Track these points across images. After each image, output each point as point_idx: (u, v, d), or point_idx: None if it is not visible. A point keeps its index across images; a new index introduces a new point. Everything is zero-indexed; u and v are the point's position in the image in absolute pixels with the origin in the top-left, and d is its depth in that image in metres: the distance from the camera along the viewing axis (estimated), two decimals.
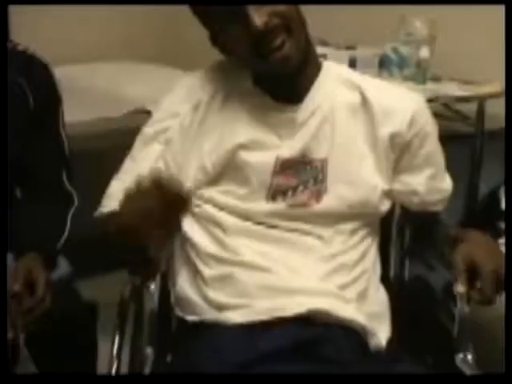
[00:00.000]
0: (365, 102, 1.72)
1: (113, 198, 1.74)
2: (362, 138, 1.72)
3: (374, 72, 3.07)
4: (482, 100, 3.06)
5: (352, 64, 3.07)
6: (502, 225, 2.19)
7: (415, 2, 3.32)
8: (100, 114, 3.08)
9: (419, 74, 3.07)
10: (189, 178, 1.71)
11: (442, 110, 3.03)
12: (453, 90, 3.03)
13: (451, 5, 3.26)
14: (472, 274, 1.61)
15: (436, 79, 3.15)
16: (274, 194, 1.69)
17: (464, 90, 3.05)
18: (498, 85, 3.06)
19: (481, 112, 3.07)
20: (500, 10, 3.27)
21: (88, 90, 3.32)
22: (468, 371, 1.66)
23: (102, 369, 1.82)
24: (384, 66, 3.15)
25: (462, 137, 3.12)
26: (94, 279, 2.55)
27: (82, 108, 3.00)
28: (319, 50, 1.80)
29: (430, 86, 3.04)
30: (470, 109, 3.11)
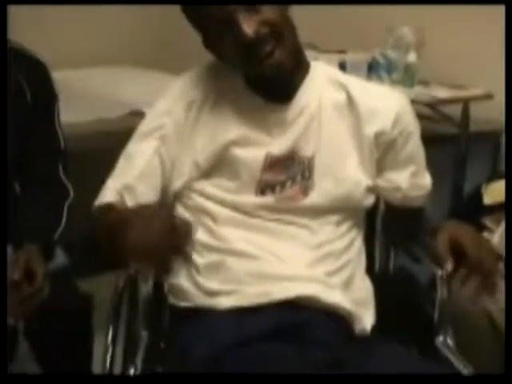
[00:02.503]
0: (351, 101, 1.78)
1: (107, 193, 1.80)
2: (348, 135, 1.79)
3: (363, 76, 3.12)
4: (466, 102, 3.14)
5: (342, 68, 3.13)
6: (485, 220, 2.25)
7: (418, 2, 3.41)
8: (96, 116, 3.13)
9: (407, 78, 3.14)
10: (183, 173, 1.77)
11: (429, 112, 3.11)
12: (439, 92, 3.10)
13: (452, 5, 3.35)
14: (456, 257, 1.70)
15: (424, 83, 3.22)
16: (263, 188, 1.76)
17: (450, 93, 3.12)
18: (482, 88, 3.15)
19: (466, 114, 3.14)
20: (485, 15, 3.39)
21: (85, 93, 3.35)
22: (448, 354, 1.72)
23: (97, 358, 1.88)
24: (373, 70, 3.22)
25: (448, 138, 3.19)
26: (89, 279, 2.59)
27: (79, 110, 3.05)
28: (310, 54, 1.85)
29: (418, 90, 3.11)
30: (456, 111, 3.19)
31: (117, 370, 1.71)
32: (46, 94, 2.06)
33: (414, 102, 2.82)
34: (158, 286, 1.80)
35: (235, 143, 1.76)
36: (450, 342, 1.75)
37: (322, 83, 1.81)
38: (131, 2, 4.09)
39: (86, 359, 2.08)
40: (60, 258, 2.04)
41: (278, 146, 1.76)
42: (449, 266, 1.69)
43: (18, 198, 2.01)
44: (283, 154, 1.76)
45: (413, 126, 1.83)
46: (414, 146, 1.84)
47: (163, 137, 1.79)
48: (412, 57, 3.15)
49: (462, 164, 3.16)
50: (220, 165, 1.77)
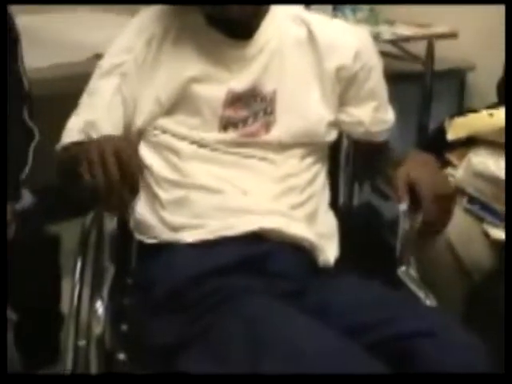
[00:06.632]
0: (311, 36, 1.79)
1: (72, 132, 1.80)
2: (310, 71, 1.80)
3: (328, 15, 3.12)
4: (431, 40, 3.15)
5: (307, 7, 3.13)
6: (449, 155, 2.27)
7: (418, 2, 3.39)
8: (61, 60, 3.11)
9: (372, 17, 3.15)
10: (144, 110, 1.77)
11: (394, 50, 3.12)
12: (403, 30, 3.12)
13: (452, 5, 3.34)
14: (414, 193, 1.72)
15: (389, 22, 3.22)
16: (226, 125, 1.76)
17: (414, 30, 3.14)
18: (447, 26, 3.16)
19: (430, 52, 3.16)
20: None
21: (49, 38, 3.34)
22: (410, 283, 1.75)
23: (66, 298, 1.89)
24: (338, 8, 3.21)
25: (414, 76, 3.21)
26: (57, 223, 2.60)
27: (43, 54, 3.04)
28: None
29: (383, 28, 3.12)
30: (421, 50, 3.20)
31: (84, 306, 1.74)
32: (7, 36, 2.04)
33: (378, 39, 2.86)
34: (125, 223, 1.81)
35: (195, 80, 1.76)
36: (412, 272, 1.78)
37: (283, 20, 1.81)
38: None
39: (54, 298, 2.11)
40: (27, 198, 2.05)
41: (238, 82, 1.76)
42: (404, 206, 1.72)
43: None
44: (244, 91, 1.76)
45: (374, 61, 1.84)
46: (376, 80, 1.85)
47: (124, 74, 1.79)
48: None
49: (427, 102, 3.18)
50: (182, 102, 1.77)
